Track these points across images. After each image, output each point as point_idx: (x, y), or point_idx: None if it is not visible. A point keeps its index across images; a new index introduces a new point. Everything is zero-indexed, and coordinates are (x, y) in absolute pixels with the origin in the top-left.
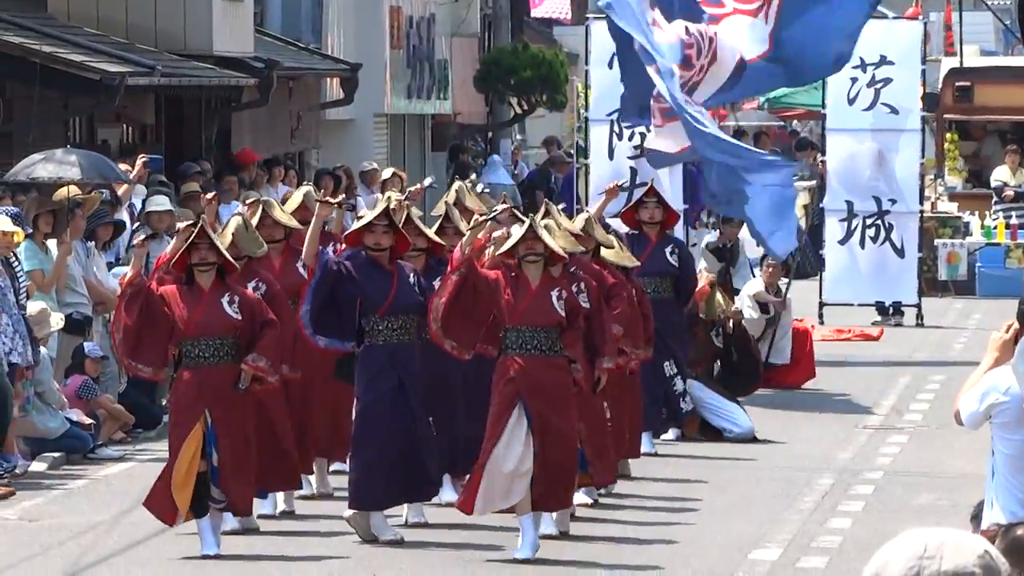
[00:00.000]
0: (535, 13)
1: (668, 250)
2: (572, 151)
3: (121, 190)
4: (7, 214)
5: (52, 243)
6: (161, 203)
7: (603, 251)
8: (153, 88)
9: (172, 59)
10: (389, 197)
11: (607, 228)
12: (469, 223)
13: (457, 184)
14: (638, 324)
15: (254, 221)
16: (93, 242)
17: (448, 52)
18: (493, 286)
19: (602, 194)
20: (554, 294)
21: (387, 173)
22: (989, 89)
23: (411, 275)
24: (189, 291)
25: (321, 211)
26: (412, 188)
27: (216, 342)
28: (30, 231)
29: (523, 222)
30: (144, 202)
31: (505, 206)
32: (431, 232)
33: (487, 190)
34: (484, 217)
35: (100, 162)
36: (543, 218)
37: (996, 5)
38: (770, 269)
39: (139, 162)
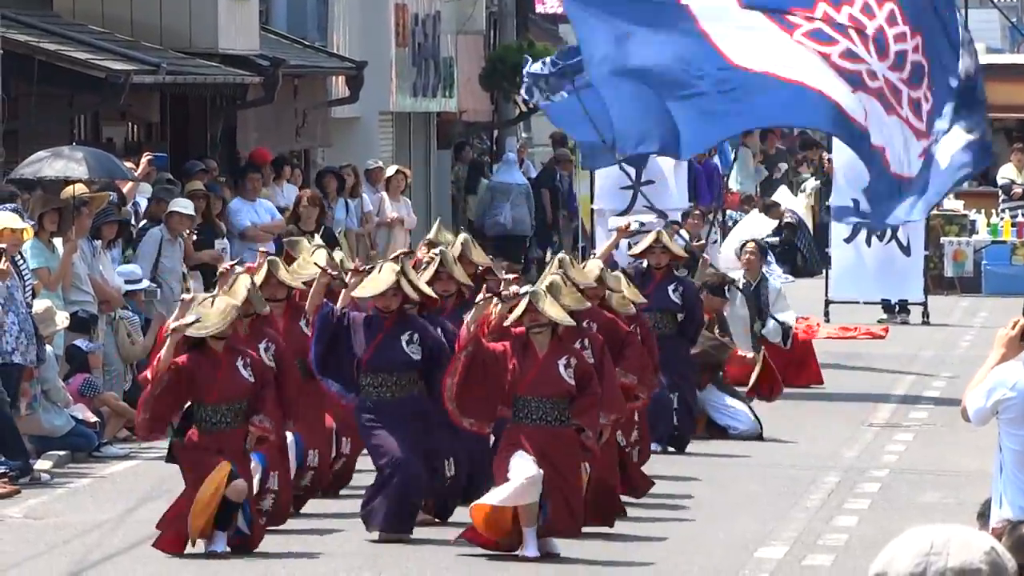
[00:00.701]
0: (540, 9)
1: (671, 288)
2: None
3: (126, 188)
4: (8, 210)
5: (58, 241)
6: (185, 206)
7: (610, 296)
8: (158, 86)
9: (177, 57)
10: (399, 257)
11: (613, 267)
12: (468, 272)
13: (462, 237)
14: (648, 364)
15: (258, 278)
16: (99, 240)
17: (453, 50)
18: (501, 359)
19: (612, 231)
20: (562, 363)
21: (391, 171)
22: (995, 87)
23: (406, 334)
24: (204, 357)
25: (322, 277)
26: (418, 254)
27: (236, 407)
28: (34, 223)
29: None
30: (150, 200)
31: (513, 290)
32: (425, 287)
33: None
34: (487, 296)
35: (107, 160)
36: (556, 269)
37: (1003, 3)
38: (748, 257)
39: (144, 160)
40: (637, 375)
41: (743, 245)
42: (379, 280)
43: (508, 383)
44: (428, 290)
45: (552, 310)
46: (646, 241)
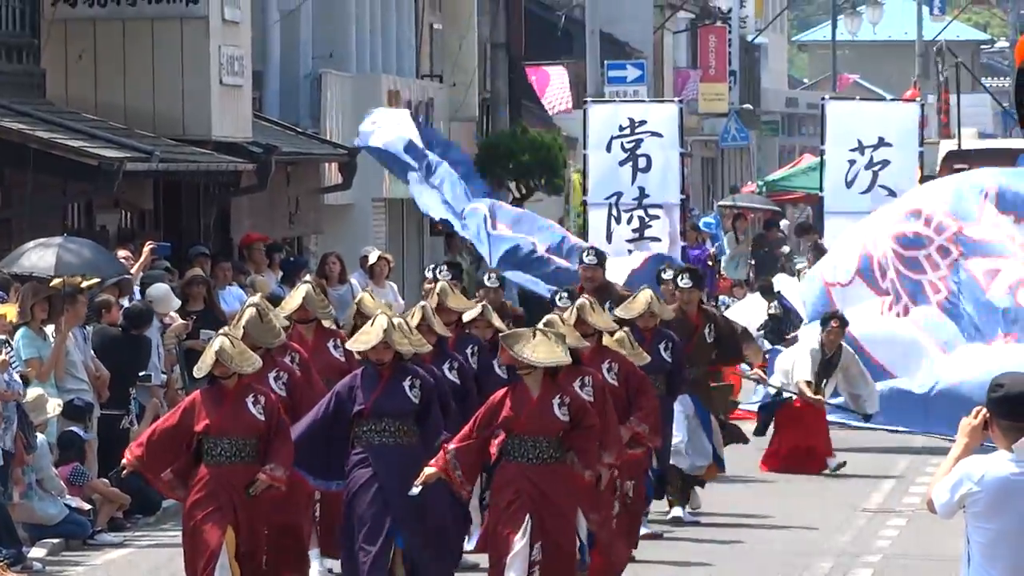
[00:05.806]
0: (548, 109)
1: (662, 346)
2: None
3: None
4: None
5: (49, 329)
6: (159, 296)
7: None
8: (151, 173)
9: (171, 144)
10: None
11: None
12: (448, 322)
13: (440, 286)
14: (659, 415)
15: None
16: (91, 327)
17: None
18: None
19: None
20: (556, 402)
21: (373, 257)
22: None
23: (408, 380)
24: (213, 391)
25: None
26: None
27: (239, 443)
28: (20, 310)
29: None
30: (144, 291)
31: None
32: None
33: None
34: None
35: (101, 256)
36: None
37: (994, 88)
38: (834, 325)
39: (146, 249)
40: (649, 425)
41: (827, 322)
42: (370, 334)
43: (501, 424)
44: (422, 342)
45: (534, 357)
46: (638, 308)
